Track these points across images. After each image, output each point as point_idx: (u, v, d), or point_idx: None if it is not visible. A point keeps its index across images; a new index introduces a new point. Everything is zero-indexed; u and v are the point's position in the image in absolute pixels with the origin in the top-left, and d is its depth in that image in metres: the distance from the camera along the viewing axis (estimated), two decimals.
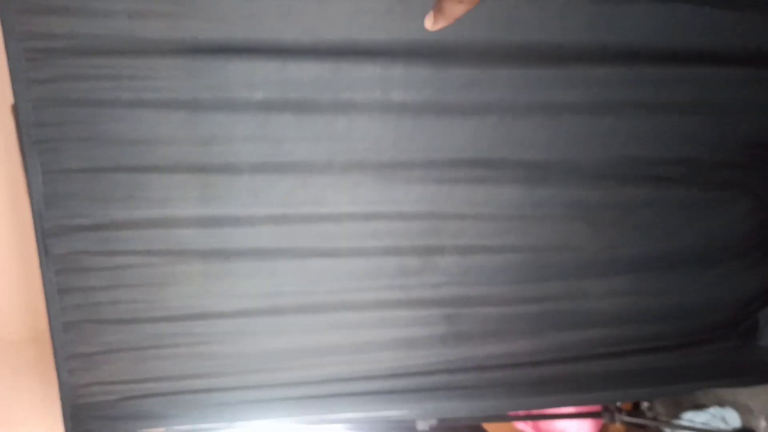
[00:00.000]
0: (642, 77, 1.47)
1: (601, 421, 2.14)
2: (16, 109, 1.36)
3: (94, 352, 1.62)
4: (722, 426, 2.05)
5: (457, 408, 1.77)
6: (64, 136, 1.38)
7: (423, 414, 1.80)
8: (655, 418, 1.91)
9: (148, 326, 1.60)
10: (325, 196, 1.51)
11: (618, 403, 1.95)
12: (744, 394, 2.12)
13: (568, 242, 1.63)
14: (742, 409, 2.12)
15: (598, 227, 1.61)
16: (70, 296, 1.54)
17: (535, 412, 2.04)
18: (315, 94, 1.41)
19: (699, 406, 2.17)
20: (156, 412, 1.68)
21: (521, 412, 2.07)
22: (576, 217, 1.60)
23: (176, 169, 1.44)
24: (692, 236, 1.66)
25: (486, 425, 2.07)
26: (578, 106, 1.48)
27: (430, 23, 0.70)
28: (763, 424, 2.05)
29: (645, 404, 1.93)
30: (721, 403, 2.15)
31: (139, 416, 1.69)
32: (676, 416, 2.13)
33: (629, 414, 1.93)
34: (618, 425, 2.02)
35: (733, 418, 2.10)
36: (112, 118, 1.38)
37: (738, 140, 1.58)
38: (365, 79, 1.41)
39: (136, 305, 1.57)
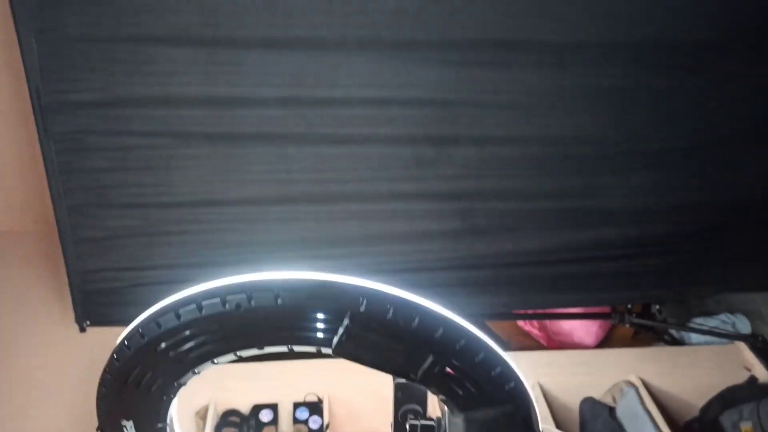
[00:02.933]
0: None
1: (609, 323, 2.14)
2: None
3: (102, 237, 1.60)
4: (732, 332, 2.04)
5: (467, 304, 1.76)
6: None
7: None
8: (664, 321, 1.90)
9: (155, 211, 1.57)
10: (339, 75, 1.43)
11: (628, 306, 1.94)
12: (757, 300, 2.10)
13: (589, 133, 1.56)
14: (753, 316, 2.10)
15: (622, 116, 1.54)
16: (74, 177, 1.50)
17: (542, 311, 2.03)
18: None
19: (709, 314, 2.16)
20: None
21: (528, 312, 2.07)
22: (600, 104, 1.52)
23: (181, 42, 1.36)
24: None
25: (490, 324, 2.07)
26: None
27: None
28: None
29: (655, 307, 1.91)
30: (732, 311, 2.14)
31: (150, 304, 1.68)
32: (686, 322, 2.13)
33: (638, 316, 1.92)
34: (626, 327, 2.01)
35: (744, 325, 2.09)
36: None
37: None
38: None
39: (141, 189, 1.53)
